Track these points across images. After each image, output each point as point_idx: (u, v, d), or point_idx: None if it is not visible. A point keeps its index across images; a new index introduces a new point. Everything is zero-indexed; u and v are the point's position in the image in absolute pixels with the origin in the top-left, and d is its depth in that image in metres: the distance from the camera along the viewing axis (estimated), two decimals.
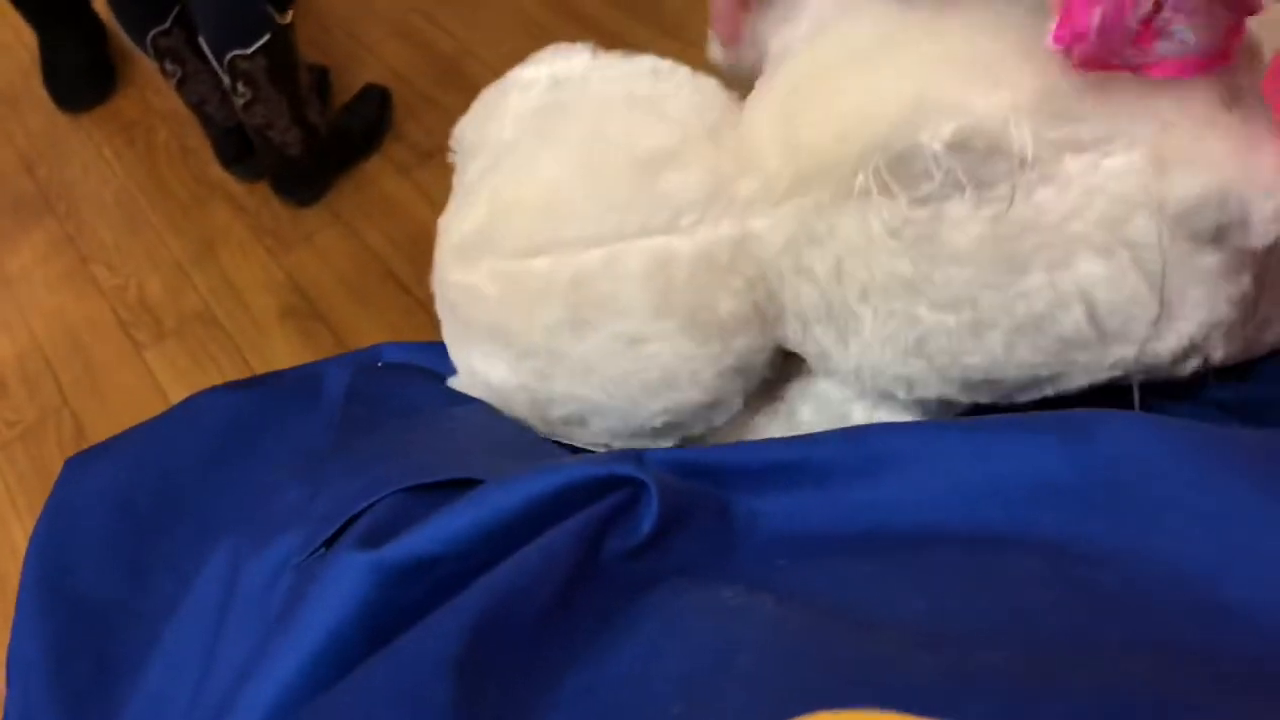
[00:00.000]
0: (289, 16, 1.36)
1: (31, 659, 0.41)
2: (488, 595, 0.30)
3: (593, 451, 0.48)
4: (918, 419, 0.45)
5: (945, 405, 0.45)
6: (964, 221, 0.37)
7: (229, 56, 1.33)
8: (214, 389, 0.51)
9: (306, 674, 0.30)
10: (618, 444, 0.47)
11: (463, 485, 0.36)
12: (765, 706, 0.24)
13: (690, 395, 0.45)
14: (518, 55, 1.76)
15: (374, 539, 0.33)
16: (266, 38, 1.32)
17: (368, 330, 1.41)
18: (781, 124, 0.42)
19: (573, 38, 1.74)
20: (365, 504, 0.36)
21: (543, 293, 0.44)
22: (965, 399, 0.43)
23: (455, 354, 0.49)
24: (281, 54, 1.36)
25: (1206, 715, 0.22)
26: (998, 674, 0.25)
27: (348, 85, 1.77)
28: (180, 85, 1.48)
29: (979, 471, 0.33)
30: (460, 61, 1.71)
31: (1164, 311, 0.38)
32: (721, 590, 0.30)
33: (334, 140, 1.55)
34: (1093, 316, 0.38)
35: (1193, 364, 0.40)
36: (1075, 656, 0.26)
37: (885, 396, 0.45)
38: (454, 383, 0.49)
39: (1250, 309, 0.40)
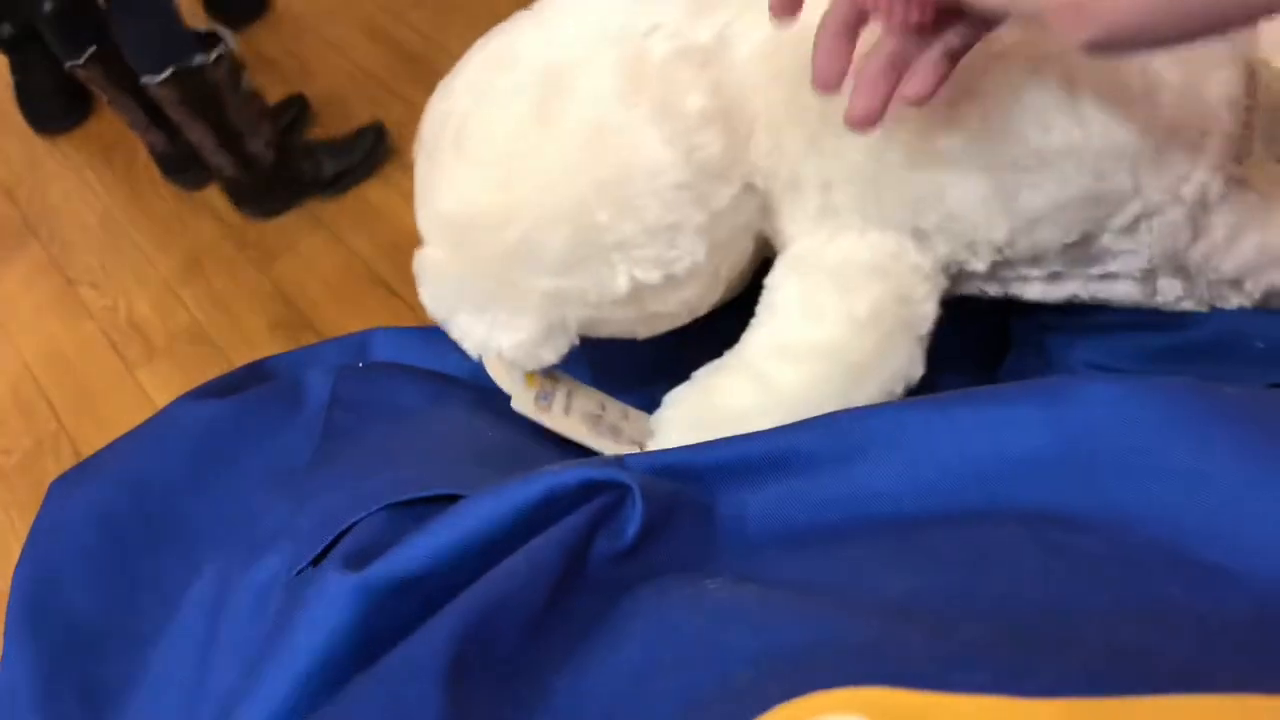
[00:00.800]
0: (213, 55, 1.37)
1: (18, 686, 0.41)
2: (475, 605, 0.30)
3: (578, 451, 0.48)
4: (896, 250, 0.43)
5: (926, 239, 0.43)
6: None
7: (141, 81, 1.37)
8: (192, 395, 0.51)
9: (297, 697, 0.30)
10: (573, 307, 0.45)
11: (449, 499, 0.36)
12: (758, 694, 0.24)
13: (646, 205, 0.42)
14: None
15: (360, 557, 0.33)
16: (172, 69, 1.34)
17: None
18: None
19: None
20: (351, 521, 0.36)
21: (512, 90, 0.44)
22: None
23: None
24: (197, 85, 1.39)
25: (1194, 676, 0.22)
26: (986, 645, 0.25)
27: (322, 88, 1.77)
28: (111, 106, 1.53)
29: (958, 450, 0.33)
30: (434, 60, 1.71)
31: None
32: (706, 583, 0.30)
33: (290, 171, 1.55)
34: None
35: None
36: (1062, 624, 0.26)
37: (864, 221, 0.43)
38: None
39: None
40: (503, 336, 0.46)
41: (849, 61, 0.36)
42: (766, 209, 0.45)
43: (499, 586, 0.31)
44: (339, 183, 1.57)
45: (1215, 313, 0.44)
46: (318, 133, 1.68)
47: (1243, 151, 0.40)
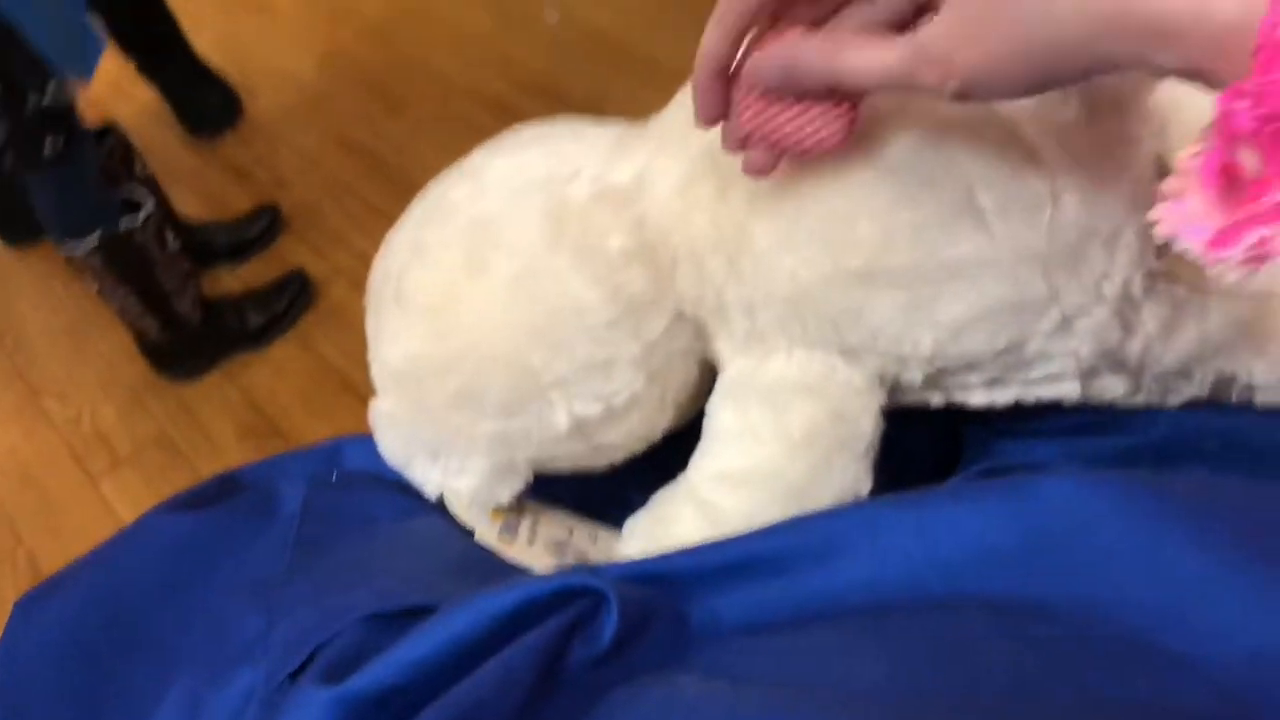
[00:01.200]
0: (140, 217, 1.38)
1: None
2: (450, 712, 0.30)
3: (541, 573, 0.48)
4: (832, 366, 0.44)
5: (855, 358, 0.44)
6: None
7: (63, 251, 1.36)
8: (164, 507, 0.51)
9: None
10: (520, 448, 0.46)
11: (424, 610, 0.36)
12: None
13: (577, 343, 0.44)
14: (462, 158, 1.77)
15: (336, 671, 0.33)
16: (98, 236, 1.34)
17: None
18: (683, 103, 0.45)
19: None
20: (326, 636, 0.36)
21: (444, 244, 0.46)
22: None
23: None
24: (122, 256, 1.37)
25: None
26: None
27: (296, 199, 1.79)
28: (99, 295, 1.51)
29: (924, 546, 0.33)
30: (410, 173, 1.74)
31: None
32: (679, 680, 0.30)
33: (214, 328, 1.54)
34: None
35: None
36: (1030, 715, 0.26)
37: (791, 342, 0.44)
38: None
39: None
40: (457, 481, 0.48)
41: (727, 100, 0.38)
42: (700, 334, 0.47)
43: (474, 694, 0.31)
44: (264, 335, 1.55)
45: (1167, 414, 0.45)
46: (292, 241, 1.70)
47: (1163, 247, 0.41)
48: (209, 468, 1.45)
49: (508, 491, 0.48)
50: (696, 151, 0.44)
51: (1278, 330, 0.42)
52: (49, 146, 1.25)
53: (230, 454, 1.46)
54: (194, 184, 1.88)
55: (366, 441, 0.56)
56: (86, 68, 1.25)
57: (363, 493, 0.51)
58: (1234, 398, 0.44)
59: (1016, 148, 0.39)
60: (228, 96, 1.97)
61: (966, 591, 0.32)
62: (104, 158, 1.41)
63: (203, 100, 1.95)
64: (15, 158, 1.27)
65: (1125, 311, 0.41)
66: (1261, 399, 0.43)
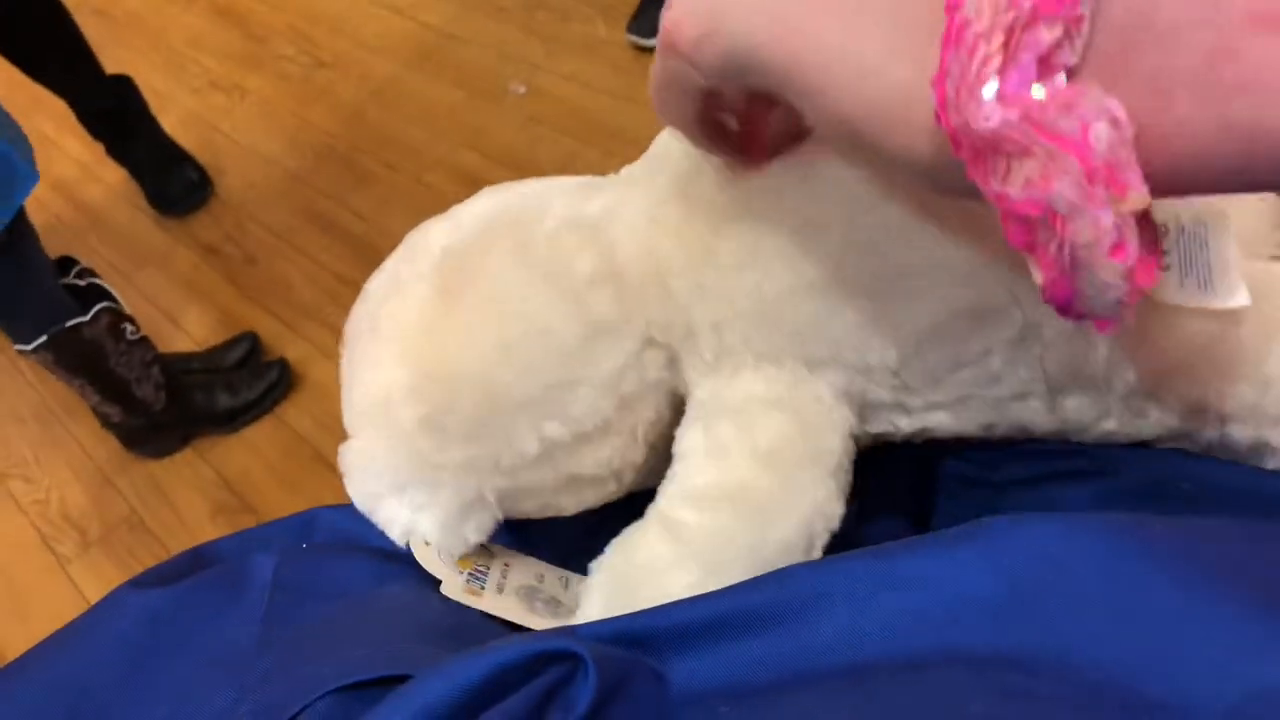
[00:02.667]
0: (90, 313, 1.37)
1: None
2: None
3: (521, 629, 0.47)
4: (799, 378, 0.44)
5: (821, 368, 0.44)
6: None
7: (15, 348, 1.35)
8: (131, 584, 0.50)
9: None
10: (487, 476, 0.46)
11: (396, 680, 0.36)
12: None
13: (545, 363, 0.44)
14: None
15: None
16: (45, 337, 1.33)
17: None
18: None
19: None
20: (296, 709, 0.35)
21: (417, 276, 0.47)
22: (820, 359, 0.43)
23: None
24: (73, 345, 1.36)
25: None
26: None
27: (265, 274, 1.79)
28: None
29: (903, 599, 0.33)
30: (380, 246, 1.75)
31: None
32: None
33: (182, 409, 1.52)
34: None
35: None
36: None
37: (757, 358, 0.44)
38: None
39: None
40: (423, 518, 0.47)
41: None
42: (671, 363, 0.47)
43: None
44: (234, 418, 1.54)
45: (1142, 457, 0.45)
46: (262, 316, 1.70)
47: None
48: (180, 548, 1.43)
49: (477, 531, 0.48)
50: (664, 180, 0.45)
51: (1243, 353, 0.42)
52: None
53: (203, 533, 1.44)
54: (164, 263, 1.88)
55: (340, 510, 0.55)
56: (7, 208, 1.22)
57: (335, 561, 0.50)
58: (1207, 430, 0.44)
59: None
60: (197, 175, 1.98)
61: (946, 643, 0.32)
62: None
63: (172, 180, 1.96)
64: None
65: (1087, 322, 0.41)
66: (1238, 434, 0.43)
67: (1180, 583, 0.30)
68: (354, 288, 1.61)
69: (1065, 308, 0.26)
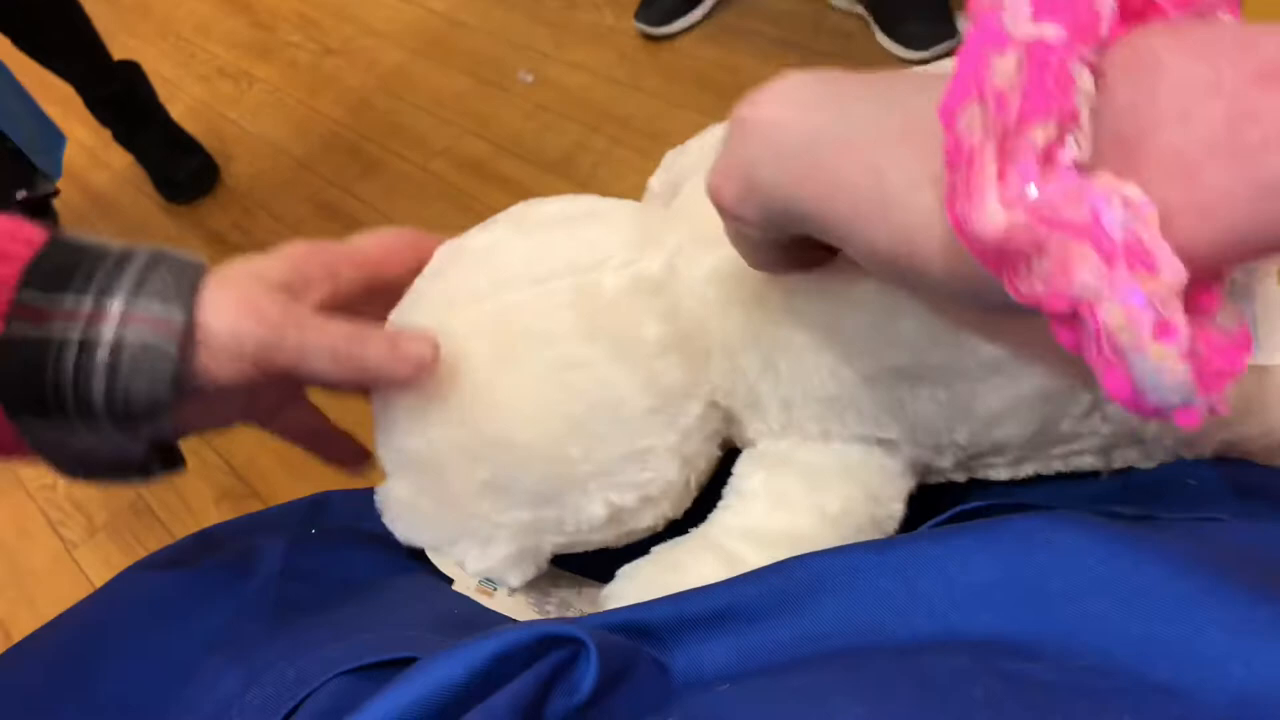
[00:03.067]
0: None
1: None
2: None
3: (534, 617, 0.47)
4: (866, 452, 0.44)
5: (891, 449, 0.44)
6: None
7: None
8: (137, 566, 0.50)
9: None
10: (549, 535, 0.46)
11: (403, 663, 0.36)
12: None
13: (616, 435, 0.44)
14: (440, 219, 1.82)
15: None
16: None
17: None
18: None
19: (490, 198, 1.80)
20: (304, 693, 0.35)
21: (470, 331, 0.45)
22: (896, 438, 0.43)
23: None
24: None
25: None
26: None
27: None
28: None
29: (904, 588, 0.33)
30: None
31: None
32: None
33: None
34: None
35: None
36: None
37: (827, 436, 0.44)
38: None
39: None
40: (472, 564, 0.47)
41: None
42: (729, 420, 0.47)
43: None
44: None
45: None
46: None
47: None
48: (185, 531, 1.43)
49: (521, 577, 0.48)
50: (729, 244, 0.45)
51: (1275, 400, 0.42)
52: None
53: (208, 518, 1.45)
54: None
55: (347, 495, 0.56)
56: (55, 162, 1.27)
57: (344, 549, 0.50)
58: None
59: None
60: (204, 163, 1.98)
61: (946, 628, 0.32)
62: None
63: (179, 167, 1.96)
64: None
65: None
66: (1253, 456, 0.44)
67: (1183, 566, 0.30)
68: None
69: (1132, 403, 0.26)
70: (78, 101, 1.85)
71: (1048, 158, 0.24)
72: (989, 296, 0.28)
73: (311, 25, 2.33)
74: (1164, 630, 0.29)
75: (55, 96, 1.87)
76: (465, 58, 2.07)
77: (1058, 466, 0.45)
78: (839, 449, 0.44)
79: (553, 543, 0.47)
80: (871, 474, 0.44)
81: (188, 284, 0.41)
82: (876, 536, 0.44)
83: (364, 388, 0.48)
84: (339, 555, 0.50)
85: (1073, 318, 0.25)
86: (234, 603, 0.47)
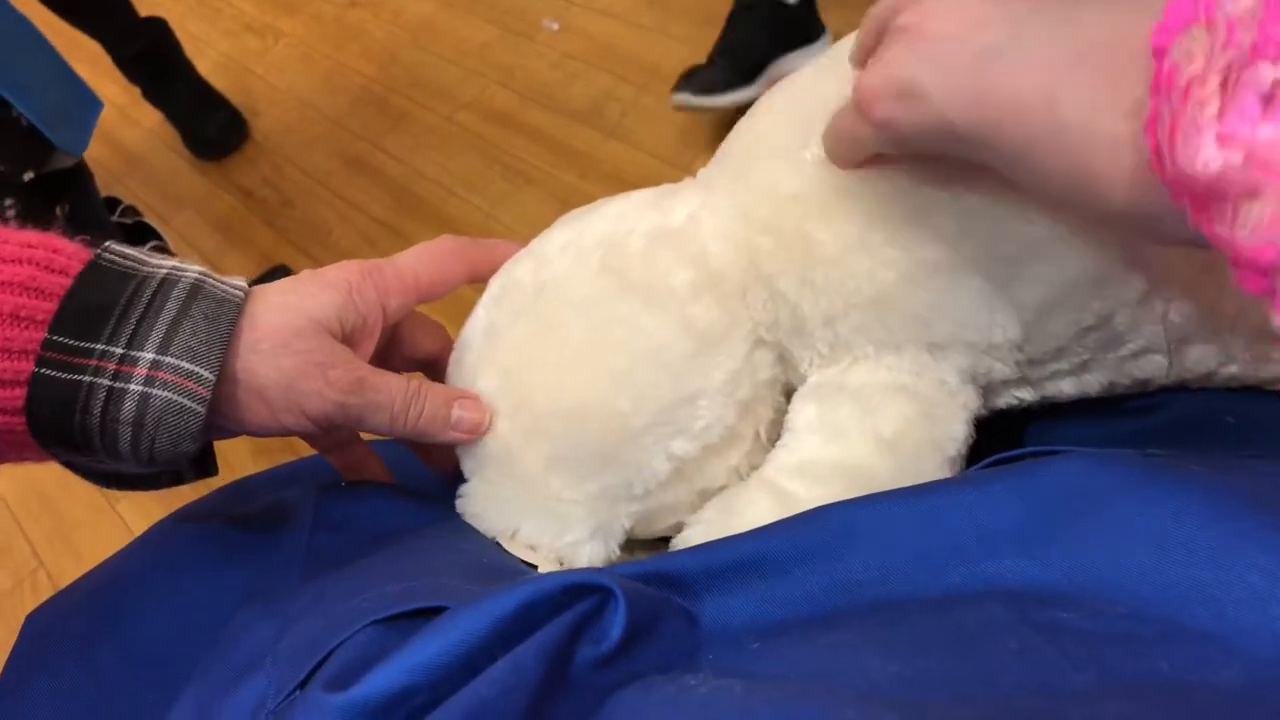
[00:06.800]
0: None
1: None
2: (456, 714, 0.30)
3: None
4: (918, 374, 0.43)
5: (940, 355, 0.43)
6: None
7: None
8: (172, 519, 0.51)
9: None
10: (622, 504, 0.46)
11: (433, 612, 0.36)
12: None
13: (661, 382, 0.44)
14: (467, 172, 1.80)
15: (344, 678, 0.33)
16: None
17: None
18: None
19: (518, 149, 1.78)
20: (335, 643, 0.36)
21: (513, 317, 0.47)
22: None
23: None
24: None
25: None
26: None
27: (302, 217, 1.80)
28: None
29: (934, 536, 0.33)
30: (415, 187, 1.75)
31: None
32: (688, 680, 0.30)
33: None
34: None
35: None
36: (1049, 704, 0.26)
37: (877, 348, 0.44)
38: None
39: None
40: (548, 546, 0.47)
41: None
42: (783, 359, 0.47)
43: (480, 694, 0.31)
44: None
45: (1183, 394, 0.44)
46: (300, 260, 1.70)
47: None
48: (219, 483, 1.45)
49: (596, 556, 0.47)
50: (749, 179, 0.45)
51: None
52: (59, 211, 1.27)
53: (245, 471, 1.46)
54: (202, 207, 1.89)
55: (378, 444, 0.56)
56: (80, 139, 1.26)
57: (374, 499, 0.51)
58: None
59: None
60: (233, 119, 1.98)
61: (979, 577, 0.32)
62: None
63: (207, 123, 1.96)
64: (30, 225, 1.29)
65: (1202, 273, 0.40)
66: None
67: (1220, 512, 0.30)
68: (390, 230, 1.61)
69: None
70: (106, 59, 1.85)
71: (1270, 97, 0.23)
72: (1170, 232, 0.27)
73: None
74: (1202, 575, 0.28)
75: (84, 55, 1.87)
76: (491, 7, 2.05)
77: (1134, 372, 0.43)
78: (890, 365, 0.43)
79: (627, 513, 0.47)
80: (927, 388, 0.43)
81: (221, 334, 0.40)
82: (939, 463, 0.43)
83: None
84: (369, 505, 0.50)
85: (1264, 265, 0.24)
86: (266, 554, 0.47)
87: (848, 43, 0.42)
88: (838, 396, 0.44)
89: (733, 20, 1.56)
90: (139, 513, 1.46)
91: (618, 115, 1.70)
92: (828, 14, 1.60)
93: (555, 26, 1.94)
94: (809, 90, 0.45)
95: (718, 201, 0.46)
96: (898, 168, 0.40)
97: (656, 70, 1.74)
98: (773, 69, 1.56)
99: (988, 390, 0.44)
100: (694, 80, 1.52)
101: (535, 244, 0.49)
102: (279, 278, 1.44)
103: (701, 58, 1.56)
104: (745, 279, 0.45)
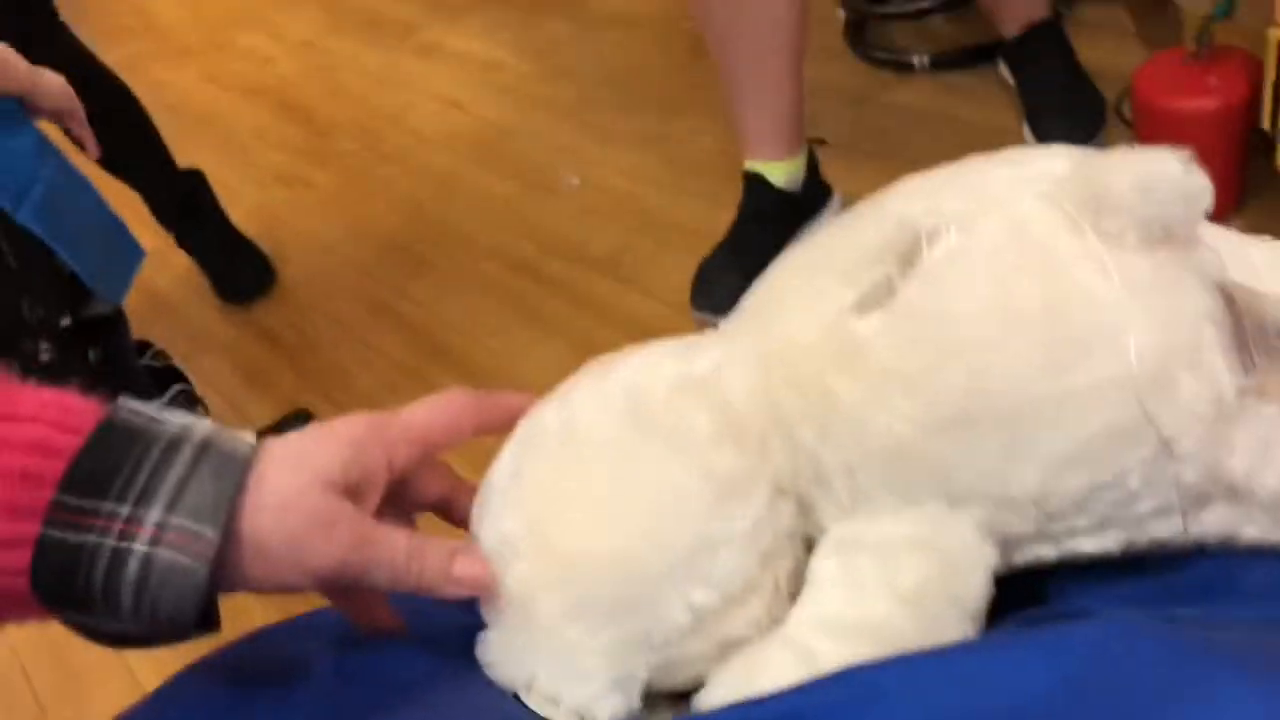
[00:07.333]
0: (166, 396, 1.44)
1: None
2: None
3: None
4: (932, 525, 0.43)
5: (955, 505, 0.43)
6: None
7: None
8: (187, 672, 0.50)
9: None
10: (641, 654, 0.45)
11: None
12: None
13: (681, 529, 0.44)
14: (489, 319, 1.83)
15: None
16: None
17: None
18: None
19: (538, 298, 1.82)
20: None
21: (539, 460, 0.48)
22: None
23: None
24: None
25: None
26: None
27: (325, 361, 1.82)
28: None
29: (966, 697, 0.33)
30: (437, 334, 1.78)
31: None
32: None
33: None
34: None
35: None
36: None
37: (897, 500, 0.44)
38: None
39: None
40: (568, 699, 0.46)
41: None
42: (803, 509, 0.47)
43: None
44: None
45: (1203, 556, 0.44)
46: (322, 404, 1.72)
47: (1245, 365, 0.42)
48: (234, 629, 1.43)
49: (615, 710, 0.46)
50: (769, 331, 0.46)
51: None
52: (92, 356, 1.30)
53: (256, 612, 1.44)
54: (227, 350, 1.92)
55: (392, 598, 0.56)
56: (120, 288, 1.29)
57: (393, 650, 0.50)
58: None
59: (1080, 285, 0.41)
60: (261, 265, 2.03)
61: None
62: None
63: (237, 269, 2.02)
64: (63, 368, 1.32)
65: (1219, 431, 0.41)
66: None
67: (1252, 681, 0.29)
68: (412, 375, 1.63)
69: None
70: (141, 205, 1.92)
71: None
72: None
73: (367, 134, 2.41)
74: None
75: (120, 201, 1.94)
76: (514, 163, 2.13)
77: (1152, 532, 0.43)
78: (910, 518, 0.44)
79: (646, 664, 0.46)
80: (946, 542, 0.43)
81: (227, 493, 0.41)
82: (959, 618, 0.42)
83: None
84: (388, 657, 0.50)
85: None
86: (286, 710, 0.46)
87: (865, 204, 0.44)
88: (858, 550, 0.44)
89: (742, 216, 1.59)
90: (150, 664, 1.44)
91: (636, 264, 1.74)
92: (830, 167, 1.65)
93: (576, 182, 2.01)
94: (825, 246, 0.47)
95: (740, 352, 0.47)
96: (915, 320, 0.41)
97: (677, 226, 1.79)
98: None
99: (1007, 545, 0.44)
100: (710, 294, 1.54)
101: (561, 390, 0.51)
102: (300, 422, 1.46)
103: (722, 214, 1.60)
104: (767, 428, 0.46)
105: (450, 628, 0.54)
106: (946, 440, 0.42)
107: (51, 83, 1.19)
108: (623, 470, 0.45)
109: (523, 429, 0.51)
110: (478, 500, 0.51)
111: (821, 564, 0.45)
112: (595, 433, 0.47)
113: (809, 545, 0.48)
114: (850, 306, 0.44)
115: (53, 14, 1.70)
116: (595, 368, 0.51)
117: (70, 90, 1.22)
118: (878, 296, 0.44)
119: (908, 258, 0.44)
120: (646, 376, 0.48)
